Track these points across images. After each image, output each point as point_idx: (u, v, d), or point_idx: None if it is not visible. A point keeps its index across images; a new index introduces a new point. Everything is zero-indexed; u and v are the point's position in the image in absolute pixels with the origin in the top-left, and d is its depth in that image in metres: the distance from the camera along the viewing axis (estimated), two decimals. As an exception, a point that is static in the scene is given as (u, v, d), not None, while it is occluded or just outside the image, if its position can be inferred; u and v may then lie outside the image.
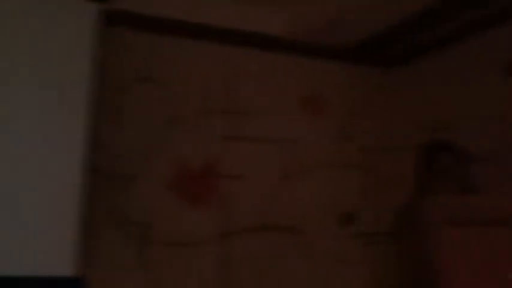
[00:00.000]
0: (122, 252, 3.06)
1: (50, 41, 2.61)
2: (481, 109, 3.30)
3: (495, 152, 3.17)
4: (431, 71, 3.68)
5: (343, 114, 3.80)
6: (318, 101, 3.74)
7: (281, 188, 3.53)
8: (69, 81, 2.60)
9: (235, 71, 3.51)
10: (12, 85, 2.50)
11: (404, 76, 3.90)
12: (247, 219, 3.39)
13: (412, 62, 3.85)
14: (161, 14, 3.29)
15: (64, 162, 2.52)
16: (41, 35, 2.60)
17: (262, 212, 3.44)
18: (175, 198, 3.23)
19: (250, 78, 3.54)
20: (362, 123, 3.84)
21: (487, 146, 3.25)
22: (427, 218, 2.29)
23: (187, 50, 3.40)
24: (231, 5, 3.45)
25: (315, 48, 3.72)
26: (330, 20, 3.42)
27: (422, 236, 2.25)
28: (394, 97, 3.93)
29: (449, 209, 2.26)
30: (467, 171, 2.31)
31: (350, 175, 3.75)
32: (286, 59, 3.63)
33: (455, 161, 2.27)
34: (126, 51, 3.21)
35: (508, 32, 3.18)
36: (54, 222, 2.46)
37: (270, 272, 3.36)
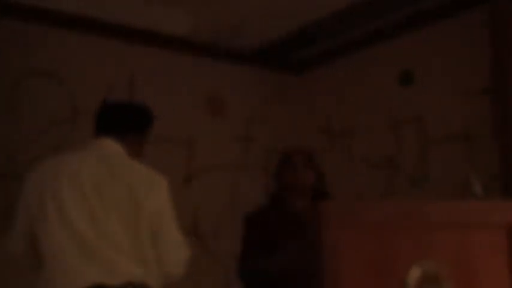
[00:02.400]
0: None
1: None
2: (378, 115, 3.42)
3: (389, 157, 3.30)
4: (333, 77, 3.78)
5: (247, 116, 3.83)
6: (221, 102, 3.75)
7: (183, 189, 3.52)
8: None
9: (140, 69, 3.47)
10: None
11: (309, 81, 3.98)
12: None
13: (316, 68, 3.93)
14: (62, 8, 3.20)
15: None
16: None
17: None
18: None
19: (155, 77, 3.51)
20: (266, 125, 3.88)
21: (382, 152, 3.37)
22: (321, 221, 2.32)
23: (90, 47, 3.32)
24: (137, 4, 3.40)
25: (220, 50, 3.73)
26: (236, 23, 3.44)
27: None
28: (299, 101, 4.00)
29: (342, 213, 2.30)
30: (323, 179, 2.38)
31: (254, 176, 3.78)
32: (191, 59, 3.62)
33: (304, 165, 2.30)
34: (21, 45, 3.09)
35: (403, 43, 3.32)
36: None
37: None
